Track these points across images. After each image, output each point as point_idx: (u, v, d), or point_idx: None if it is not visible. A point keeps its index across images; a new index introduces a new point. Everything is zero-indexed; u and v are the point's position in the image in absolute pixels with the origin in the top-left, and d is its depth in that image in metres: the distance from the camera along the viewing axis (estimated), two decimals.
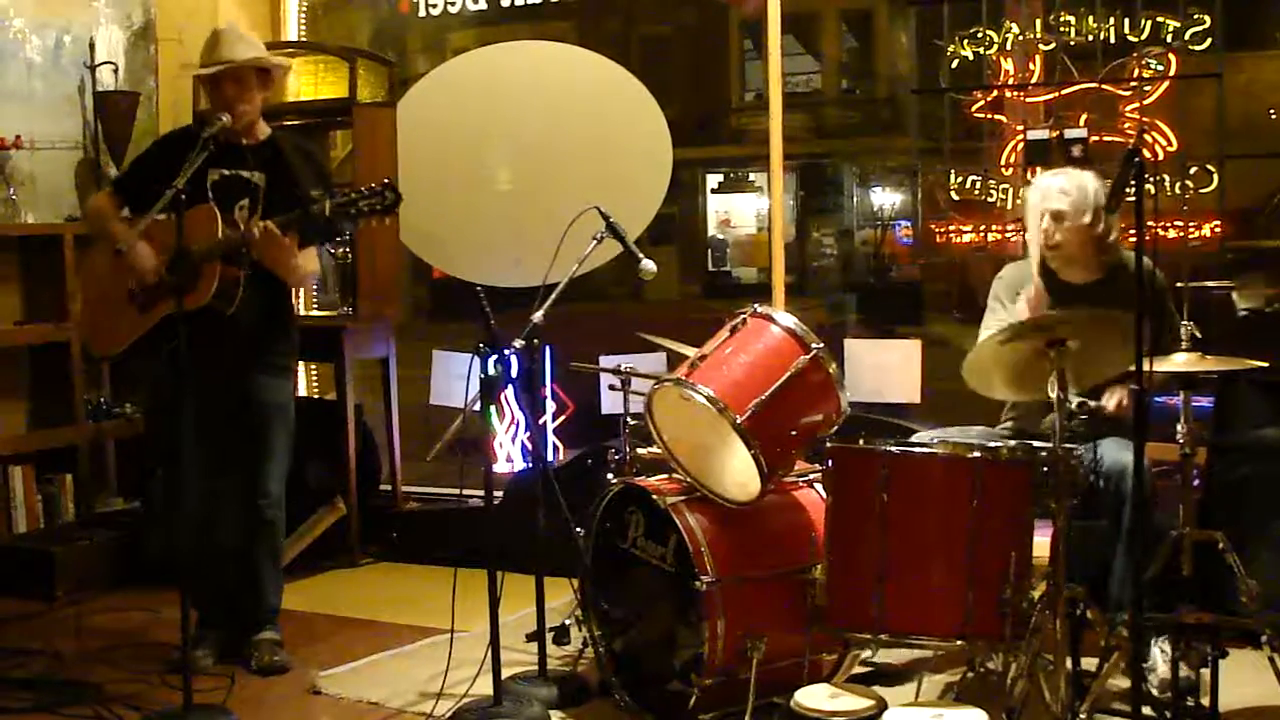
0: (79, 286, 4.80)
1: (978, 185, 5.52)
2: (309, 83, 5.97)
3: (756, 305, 3.77)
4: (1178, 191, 5.23)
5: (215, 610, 4.45)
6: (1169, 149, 5.31)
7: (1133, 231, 3.10)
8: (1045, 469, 3.34)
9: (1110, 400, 3.95)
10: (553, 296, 4.02)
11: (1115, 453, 3.86)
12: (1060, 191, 4.11)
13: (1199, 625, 3.38)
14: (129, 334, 4.29)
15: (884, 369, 5.25)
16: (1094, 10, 5.27)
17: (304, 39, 6.55)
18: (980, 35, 5.44)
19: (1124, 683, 3.47)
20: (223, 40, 4.25)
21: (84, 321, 4.72)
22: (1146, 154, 4.77)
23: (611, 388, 4.49)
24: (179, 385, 3.88)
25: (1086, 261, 4.16)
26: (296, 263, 4.24)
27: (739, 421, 3.50)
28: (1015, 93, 5.52)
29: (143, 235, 4.10)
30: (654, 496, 3.69)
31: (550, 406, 5.90)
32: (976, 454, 3.37)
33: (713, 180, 16.38)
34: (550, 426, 5.90)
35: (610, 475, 4.23)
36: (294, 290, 4.59)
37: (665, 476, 3.88)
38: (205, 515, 4.29)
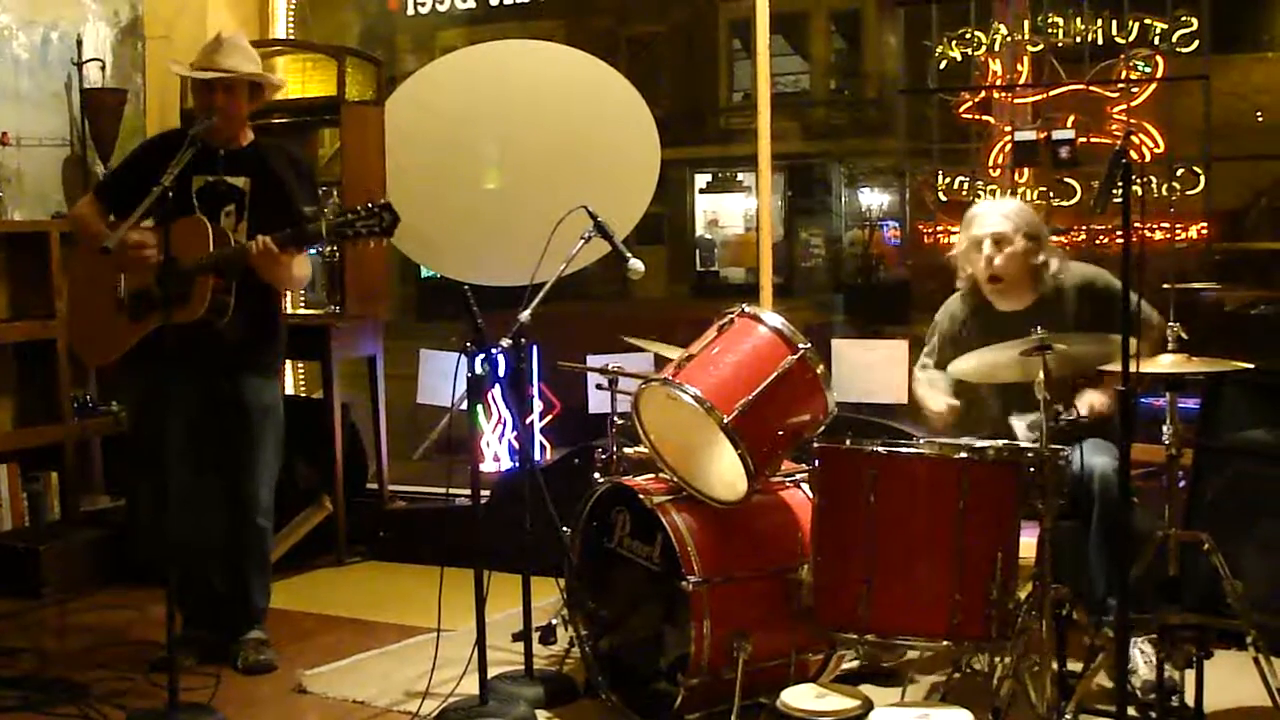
0: (67, 293, 4.76)
1: (965, 186, 5.52)
2: (296, 81, 5.94)
3: (744, 305, 3.78)
4: (1164, 193, 5.24)
5: (201, 612, 4.43)
6: (1156, 151, 5.33)
7: (1120, 233, 3.11)
8: (1031, 470, 3.36)
9: (1082, 405, 3.97)
10: (540, 295, 4.01)
11: (1089, 456, 3.86)
12: (1001, 215, 4.17)
13: (1184, 626, 3.39)
14: (121, 344, 4.26)
15: (871, 369, 5.26)
16: (1082, 12, 5.28)
17: (292, 37, 6.53)
18: (968, 36, 5.45)
19: (1110, 683, 3.48)
20: (223, 48, 4.23)
21: (74, 331, 4.69)
22: (1133, 156, 4.78)
23: (599, 387, 4.49)
24: (164, 392, 3.85)
25: (1022, 291, 4.19)
26: (291, 273, 4.22)
27: (726, 421, 3.50)
28: (1003, 94, 5.53)
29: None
30: (641, 496, 3.69)
31: (537, 406, 5.89)
32: (963, 455, 3.39)
33: (701, 180, 16.34)
34: (537, 426, 5.90)
35: (597, 475, 4.22)
36: (283, 293, 4.56)
37: (652, 476, 3.87)
38: (191, 519, 4.25)
